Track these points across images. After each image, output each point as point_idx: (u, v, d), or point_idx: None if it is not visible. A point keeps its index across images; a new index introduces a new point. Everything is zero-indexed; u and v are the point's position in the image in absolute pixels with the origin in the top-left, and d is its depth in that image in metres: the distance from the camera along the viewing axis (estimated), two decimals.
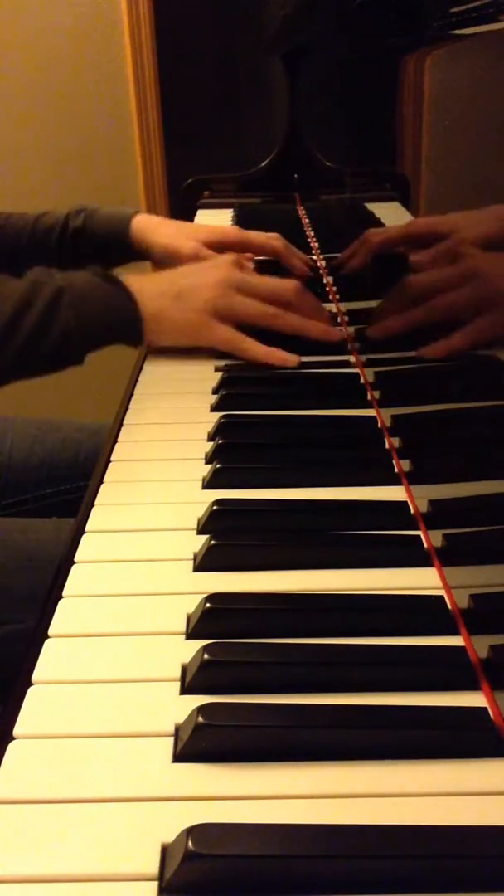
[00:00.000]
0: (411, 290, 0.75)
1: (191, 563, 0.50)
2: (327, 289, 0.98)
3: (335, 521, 0.54)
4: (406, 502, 0.56)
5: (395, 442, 0.63)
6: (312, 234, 1.27)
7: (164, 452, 0.64)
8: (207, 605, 0.44)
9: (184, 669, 0.41)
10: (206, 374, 0.78)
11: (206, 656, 0.40)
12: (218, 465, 0.59)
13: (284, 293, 0.81)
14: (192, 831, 0.32)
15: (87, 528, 0.54)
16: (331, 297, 0.96)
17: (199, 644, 0.42)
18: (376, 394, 0.71)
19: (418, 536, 0.52)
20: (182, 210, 1.56)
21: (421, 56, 0.79)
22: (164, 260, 1.01)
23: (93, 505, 0.57)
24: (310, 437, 0.65)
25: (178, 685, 0.41)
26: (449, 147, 0.73)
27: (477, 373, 0.68)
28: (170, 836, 0.33)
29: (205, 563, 0.49)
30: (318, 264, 1.09)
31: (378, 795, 0.35)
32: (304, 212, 1.44)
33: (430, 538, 0.51)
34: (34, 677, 0.41)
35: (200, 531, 0.53)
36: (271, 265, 1.03)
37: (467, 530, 0.50)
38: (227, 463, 0.59)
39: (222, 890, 0.31)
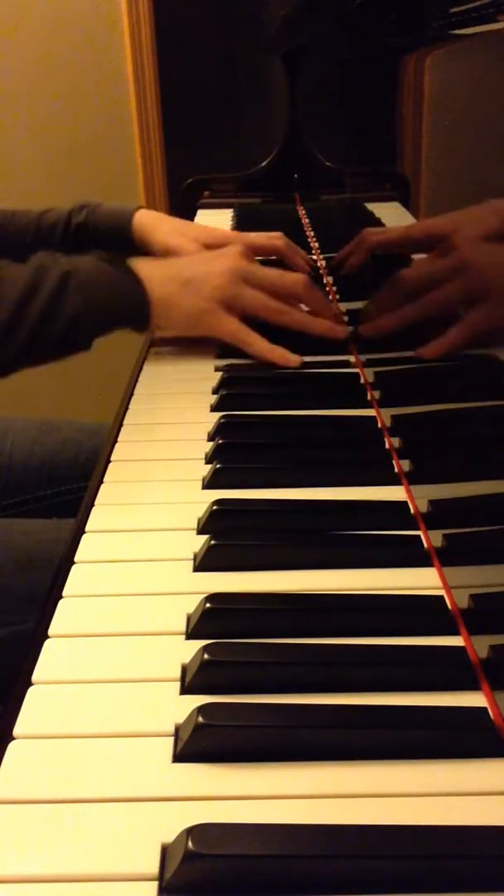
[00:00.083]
0: (403, 285, 0.75)
1: (191, 563, 0.50)
2: (327, 288, 0.98)
3: (335, 521, 0.54)
4: (406, 502, 0.56)
5: (395, 442, 0.63)
6: (312, 234, 1.27)
7: (164, 452, 0.64)
8: (207, 605, 0.44)
9: (184, 669, 0.41)
10: (206, 374, 0.78)
11: (206, 656, 0.40)
12: (218, 465, 0.59)
13: (293, 287, 0.80)
14: (192, 831, 0.32)
15: (87, 528, 0.54)
16: (331, 296, 0.96)
17: (199, 644, 0.42)
18: (376, 394, 0.71)
19: (418, 536, 0.52)
20: (182, 210, 1.56)
21: (421, 56, 0.79)
22: (164, 256, 1.01)
23: (93, 505, 0.57)
24: (310, 437, 0.65)
25: (178, 685, 0.41)
26: (449, 147, 0.73)
27: (477, 373, 0.68)
28: (170, 836, 0.33)
29: (205, 563, 0.49)
30: (319, 264, 1.09)
31: (378, 795, 0.35)
32: (304, 212, 1.44)
33: (430, 538, 0.51)
34: (34, 677, 0.41)
35: (200, 531, 0.53)
36: (273, 264, 1.03)
37: (467, 530, 0.50)
38: (227, 463, 0.59)
39: (222, 890, 0.31)
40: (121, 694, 0.40)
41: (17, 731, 0.38)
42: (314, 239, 1.24)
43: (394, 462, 0.60)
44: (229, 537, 0.51)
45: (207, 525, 0.53)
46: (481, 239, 0.68)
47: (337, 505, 0.55)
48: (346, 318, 0.88)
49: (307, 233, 1.28)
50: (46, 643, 0.44)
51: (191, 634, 0.44)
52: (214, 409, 0.71)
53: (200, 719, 0.36)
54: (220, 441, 0.62)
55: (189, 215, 1.50)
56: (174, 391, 0.76)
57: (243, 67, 2.03)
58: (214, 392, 0.74)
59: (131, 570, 0.50)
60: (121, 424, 0.69)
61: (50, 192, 2.01)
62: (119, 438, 0.67)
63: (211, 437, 0.66)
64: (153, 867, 0.32)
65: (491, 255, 0.66)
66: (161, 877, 0.31)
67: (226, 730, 0.37)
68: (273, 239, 1.01)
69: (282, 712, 0.38)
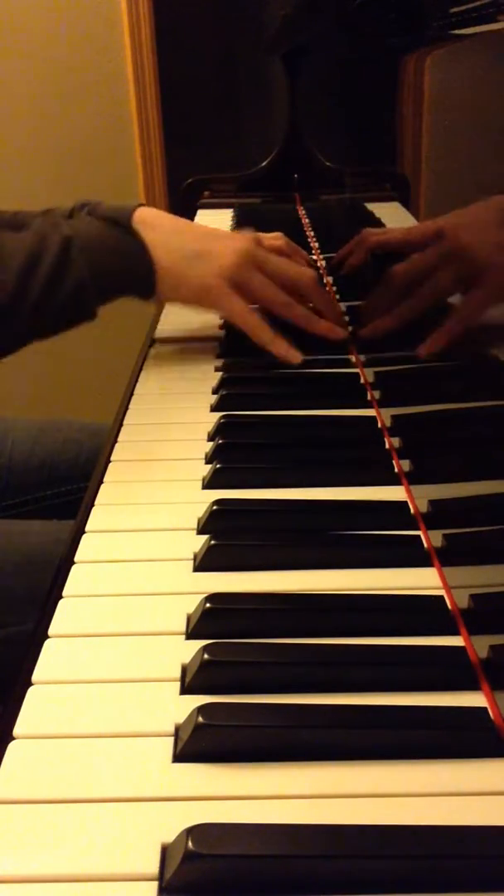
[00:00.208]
0: (396, 281, 0.75)
1: (191, 563, 0.50)
2: (327, 288, 0.98)
3: (335, 521, 0.54)
4: (406, 502, 0.56)
5: (395, 442, 0.63)
6: (312, 234, 1.27)
7: (164, 452, 0.64)
8: (207, 605, 0.44)
9: (184, 669, 0.41)
10: (206, 374, 0.78)
11: (206, 656, 0.40)
12: (218, 465, 0.59)
13: (303, 281, 0.80)
14: (192, 831, 0.32)
15: (87, 528, 0.54)
16: (331, 296, 0.96)
17: (199, 644, 0.42)
18: (376, 394, 0.71)
19: (418, 536, 0.52)
20: (182, 210, 1.56)
21: (421, 56, 0.79)
22: None
23: (93, 505, 0.57)
24: (310, 437, 0.65)
25: (178, 685, 0.41)
26: (449, 147, 0.73)
27: (477, 373, 0.68)
28: (170, 836, 0.33)
29: (205, 563, 0.49)
30: (319, 264, 1.09)
31: (378, 795, 0.35)
32: (304, 212, 1.44)
33: (430, 538, 0.51)
34: (34, 677, 0.41)
35: (200, 531, 0.53)
36: None
37: (467, 530, 0.50)
38: (227, 463, 0.59)
39: (222, 890, 0.31)
40: (121, 694, 0.40)
41: (17, 731, 0.38)
42: (314, 239, 1.24)
43: (394, 462, 0.60)
44: (229, 537, 0.51)
45: (207, 525, 0.53)
46: (475, 229, 0.67)
47: (337, 505, 0.56)
48: (346, 318, 0.88)
49: (307, 233, 1.28)
50: (46, 643, 0.44)
51: (191, 634, 0.44)
52: (214, 409, 0.71)
53: (200, 719, 0.36)
54: (220, 441, 0.62)
55: (189, 215, 1.50)
56: (174, 391, 0.76)
57: (243, 67, 2.03)
58: (214, 392, 0.74)
59: (131, 570, 0.50)
60: (121, 424, 0.69)
61: (50, 192, 2.01)
62: (119, 438, 0.67)
63: (211, 437, 0.66)
64: (153, 867, 0.32)
65: (478, 234, 0.66)
66: (161, 877, 0.31)
67: (226, 730, 0.37)
68: (273, 240, 1.01)
69: (282, 712, 0.38)
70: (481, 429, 0.61)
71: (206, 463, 0.62)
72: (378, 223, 1.01)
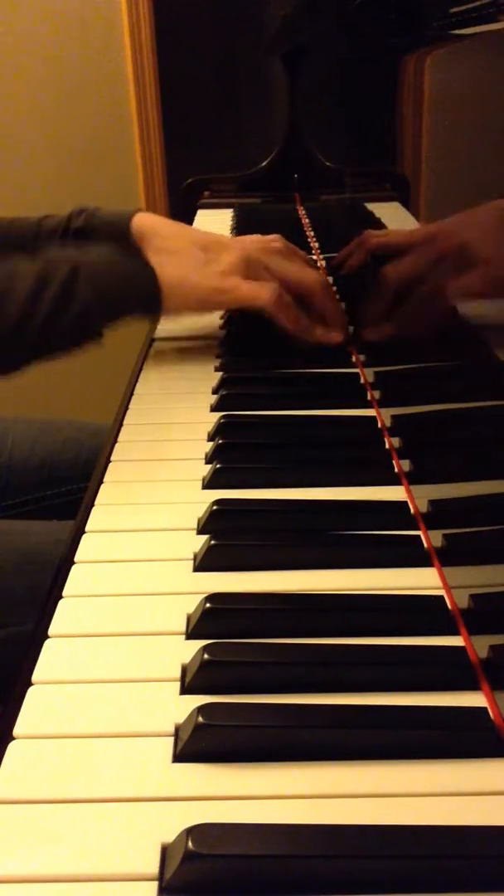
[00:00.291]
0: (390, 282, 0.75)
1: (191, 563, 0.50)
2: None
3: (335, 521, 0.54)
4: (406, 502, 0.56)
5: (395, 442, 0.63)
6: (312, 234, 1.27)
7: (164, 452, 0.64)
8: (207, 605, 0.44)
9: (184, 669, 0.41)
10: (206, 374, 0.78)
11: (206, 656, 0.40)
12: (218, 465, 0.59)
13: (311, 284, 0.80)
14: (192, 831, 0.32)
15: (87, 528, 0.54)
16: None
17: (199, 644, 0.42)
18: (376, 394, 0.71)
19: (418, 536, 0.52)
20: (182, 210, 1.56)
21: (421, 56, 0.79)
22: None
23: (93, 505, 0.57)
24: (310, 437, 0.65)
25: (178, 685, 0.41)
26: (449, 147, 0.73)
27: (477, 373, 0.68)
28: (170, 836, 0.33)
29: (205, 563, 0.49)
30: (319, 264, 1.09)
31: (378, 795, 0.35)
32: (304, 212, 1.44)
33: (430, 538, 0.51)
34: (34, 677, 0.41)
35: (200, 531, 0.53)
36: None
37: (467, 530, 0.50)
38: (227, 463, 0.59)
39: (222, 890, 0.31)
40: (121, 694, 0.40)
41: (17, 731, 0.38)
42: (314, 239, 1.24)
43: (394, 462, 0.60)
44: (229, 537, 0.51)
45: (207, 525, 0.53)
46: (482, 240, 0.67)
47: (337, 505, 0.56)
48: (346, 318, 0.88)
49: (307, 233, 1.28)
50: (46, 643, 0.44)
51: (191, 634, 0.44)
52: (214, 409, 0.71)
53: (200, 719, 0.36)
54: (220, 441, 0.62)
55: (189, 215, 1.50)
56: (174, 391, 0.76)
57: (243, 67, 2.03)
58: (214, 392, 0.74)
59: (131, 570, 0.50)
60: (121, 424, 0.69)
61: (50, 192, 2.01)
62: (119, 438, 0.67)
63: (211, 437, 0.66)
64: (153, 867, 0.32)
65: (476, 234, 0.65)
66: (161, 877, 0.31)
67: (226, 730, 0.37)
68: (271, 241, 1.01)
69: (282, 712, 0.38)
70: (481, 429, 0.61)
71: (206, 463, 0.62)
72: (378, 223, 1.01)
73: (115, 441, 0.66)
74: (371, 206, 1.05)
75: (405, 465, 0.59)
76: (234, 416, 0.68)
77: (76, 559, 0.51)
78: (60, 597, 0.47)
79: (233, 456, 0.61)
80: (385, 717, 0.38)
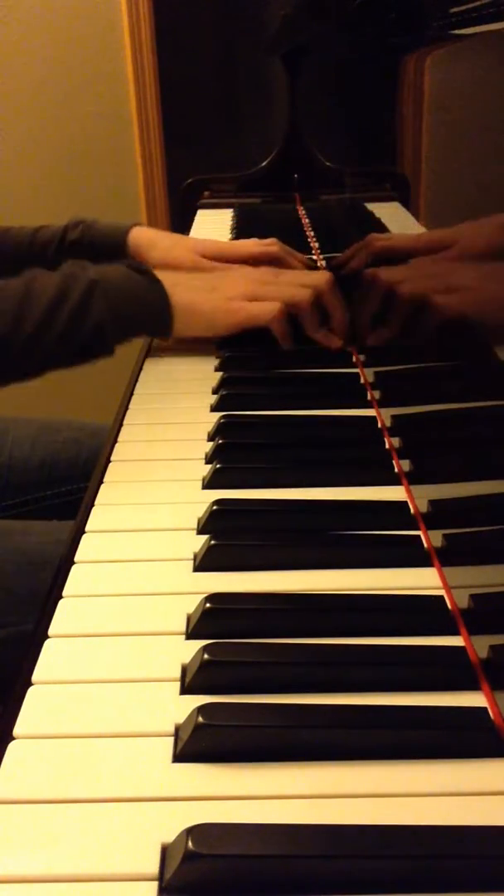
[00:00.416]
0: (383, 287, 0.75)
1: (191, 563, 0.50)
2: None
3: (335, 521, 0.54)
4: (406, 502, 0.56)
5: (395, 442, 0.63)
6: (312, 234, 1.27)
7: (164, 452, 0.64)
8: (207, 605, 0.44)
9: (184, 669, 0.41)
10: (206, 374, 0.78)
11: (206, 656, 0.40)
12: (218, 465, 0.59)
13: (317, 284, 0.82)
14: (192, 831, 0.32)
15: (87, 528, 0.54)
16: None
17: (199, 644, 0.42)
18: (376, 394, 0.71)
19: (418, 536, 0.52)
20: (182, 210, 1.56)
21: (421, 56, 0.79)
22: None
23: (93, 505, 0.57)
24: (310, 437, 0.65)
25: (178, 685, 0.41)
26: (449, 147, 0.73)
27: (477, 373, 0.68)
28: (170, 836, 0.33)
29: (205, 563, 0.49)
30: (319, 264, 1.09)
31: (378, 795, 0.35)
32: (304, 212, 1.44)
33: (430, 538, 0.51)
34: (34, 677, 0.41)
35: (200, 531, 0.53)
36: None
37: (467, 530, 0.50)
38: (227, 463, 0.59)
39: (222, 890, 0.31)
40: (121, 694, 0.40)
41: (17, 731, 0.38)
42: (314, 239, 1.24)
43: (394, 462, 0.60)
44: (229, 537, 0.51)
45: (207, 525, 0.53)
46: (486, 252, 0.67)
47: (337, 505, 0.56)
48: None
49: (307, 233, 1.28)
50: (46, 643, 0.44)
51: (191, 634, 0.44)
52: (214, 409, 0.71)
53: (200, 719, 0.36)
54: (220, 441, 0.62)
55: (189, 215, 1.50)
56: (174, 391, 0.76)
57: (243, 67, 2.03)
58: (214, 392, 0.74)
59: (131, 570, 0.50)
60: (121, 424, 0.69)
61: (50, 192, 2.01)
62: (119, 438, 0.67)
63: (211, 437, 0.66)
64: (153, 867, 0.32)
65: (471, 234, 0.66)
66: (161, 877, 0.31)
67: (226, 730, 0.37)
68: (268, 246, 1.01)
69: (282, 712, 0.38)
70: (481, 429, 0.61)
71: (206, 463, 0.62)
72: (378, 223, 1.01)
73: (115, 441, 0.66)
74: (371, 206, 1.05)
75: (405, 465, 0.59)
76: (234, 416, 0.68)
77: (76, 559, 0.51)
78: (60, 597, 0.47)
79: (233, 456, 0.61)
80: (385, 717, 0.38)
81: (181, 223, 1.49)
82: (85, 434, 1.07)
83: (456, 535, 0.50)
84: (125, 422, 0.70)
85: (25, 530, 0.86)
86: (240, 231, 1.31)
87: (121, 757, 0.37)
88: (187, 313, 0.79)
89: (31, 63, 1.97)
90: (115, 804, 0.34)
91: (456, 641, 0.43)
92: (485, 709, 0.39)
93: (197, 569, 0.49)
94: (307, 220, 1.37)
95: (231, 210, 1.49)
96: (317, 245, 1.20)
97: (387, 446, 0.63)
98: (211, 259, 1.00)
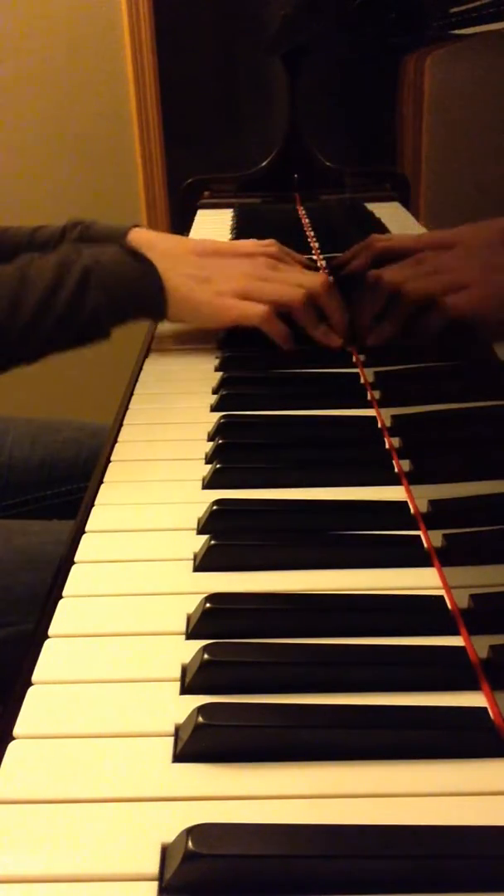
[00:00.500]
0: (387, 289, 0.75)
1: (191, 563, 0.50)
2: None
3: (335, 521, 0.54)
4: (406, 502, 0.56)
5: (395, 442, 0.63)
6: (312, 234, 1.27)
7: (164, 452, 0.64)
8: (207, 605, 0.44)
9: (184, 669, 0.41)
10: (206, 374, 0.78)
11: (206, 656, 0.40)
12: (218, 465, 0.59)
13: (312, 285, 0.82)
14: (192, 831, 0.32)
15: (87, 528, 0.54)
16: None
17: (199, 644, 0.42)
18: (376, 394, 0.71)
19: (418, 536, 0.52)
20: (182, 210, 1.56)
21: (421, 56, 0.79)
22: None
23: (93, 505, 0.57)
24: (310, 437, 0.65)
25: (178, 685, 0.41)
26: (449, 147, 0.73)
27: (477, 373, 0.68)
28: (170, 836, 0.33)
29: (205, 563, 0.49)
30: (319, 264, 1.09)
31: (378, 795, 0.35)
32: (304, 212, 1.44)
33: (430, 538, 0.51)
34: (34, 677, 0.41)
35: (200, 531, 0.53)
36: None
37: (467, 530, 0.50)
38: (227, 463, 0.59)
39: (222, 890, 0.31)
40: (121, 694, 0.40)
41: (17, 731, 0.38)
42: (314, 239, 1.24)
43: (394, 462, 0.60)
44: (229, 537, 0.51)
45: (207, 525, 0.53)
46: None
47: (337, 505, 0.56)
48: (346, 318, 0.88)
49: (307, 233, 1.28)
50: (46, 643, 0.44)
51: (191, 634, 0.44)
52: (214, 409, 0.71)
53: (200, 719, 0.36)
54: (220, 441, 0.62)
55: (189, 215, 1.50)
56: (174, 391, 0.76)
57: (243, 67, 2.03)
58: (214, 392, 0.74)
59: (131, 570, 0.50)
60: (121, 424, 0.69)
61: (50, 192, 2.01)
62: (119, 438, 0.67)
63: (211, 437, 0.66)
64: (153, 867, 0.32)
65: (471, 237, 0.66)
66: (161, 877, 0.31)
67: (226, 730, 0.37)
68: (266, 247, 1.01)
69: (282, 712, 0.38)
70: (481, 429, 0.61)
71: (206, 463, 0.62)
72: (378, 223, 1.01)
73: (115, 441, 0.66)
74: (371, 206, 1.05)
75: (405, 465, 0.59)
76: (234, 416, 0.68)
77: (76, 559, 0.51)
78: (60, 597, 0.47)
79: (233, 456, 0.61)
80: (385, 717, 0.38)
81: (181, 223, 1.49)
82: (85, 434, 1.07)
83: (456, 535, 0.50)
84: (125, 422, 0.70)
85: (25, 530, 0.86)
86: (240, 231, 1.31)
87: (121, 757, 0.37)
88: (179, 300, 0.80)
89: (31, 63, 1.97)
90: (115, 804, 0.34)
91: (456, 641, 0.43)
92: (485, 709, 0.39)
93: (197, 569, 0.49)
94: (307, 220, 1.37)
95: (231, 210, 1.49)
96: (317, 245, 1.20)
97: (387, 446, 0.63)
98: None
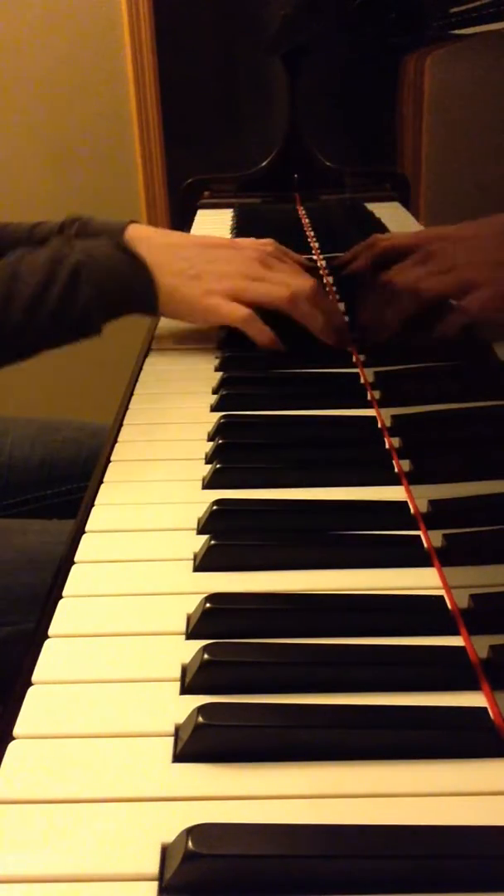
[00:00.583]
0: (391, 287, 0.75)
1: (191, 563, 0.50)
2: (327, 289, 0.98)
3: (335, 521, 0.54)
4: (406, 502, 0.56)
5: (395, 442, 0.63)
6: (312, 234, 1.27)
7: (164, 452, 0.64)
8: (207, 605, 0.44)
9: (184, 669, 0.41)
10: (206, 374, 0.78)
11: (206, 656, 0.40)
12: (218, 465, 0.59)
13: (300, 287, 0.81)
14: (192, 831, 0.32)
15: (87, 528, 0.54)
16: (330, 297, 0.96)
17: (199, 644, 0.42)
18: (376, 394, 0.71)
19: (418, 536, 0.52)
20: (182, 210, 1.56)
21: (421, 56, 0.79)
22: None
23: (93, 505, 0.57)
24: (310, 437, 0.65)
25: (178, 685, 0.41)
26: (449, 147, 0.73)
27: (477, 373, 0.68)
28: (170, 836, 0.33)
29: (205, 563, 0.49)
30: (319, 264, 1.09)
31: (378, 795, 0.35)
32: (304, 212, 1.44)
33: (430, 538, 0.51)
34: (34, 677, 0.41)
35: (200, 531, 0.53)
36: None
37: (467, 530, 0.50)
38: (227, 463, 0.59)
39: (222, 890, 0.31)
40: (121, 694, 0.40)
41: (17, 731, 0.38)
42: (314, 239, 1.24)
43: (394, 462, 0.60)
44: (229, 537, 0.51)
45: (207, 525, 0.53)
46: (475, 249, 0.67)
47: (337, 505, 0.55)
48: (346, 318, 0.88)
49: (307, 233, 1.28)
50: (46, 643, 0.44)
51: (191, 634, 0.44)
52: (214, 409, 0.71)
53: (200, 719, 0.36)
54: (220, 441, 0.62)
55: (189, 215, 1.50)
56: (174, 391, 0.76)
57: (243, 67, 2.03)
58: (214, 392, 0.74)
59: (131, 570, 0.50)
60: (121, 424, 0.69)
61: (50, 191, 2.01)
62: (119, 438, 0.67)
63: (211, 437, 0.66)
64: (153, 867, 0.32)
65: (478, 246, 0.66)
66: (161, 877, 0.31)
67: (226, 730, 0.37)
68: (263, 246, 1.02)
69: (282, 712, 0.38)
70: (481, 429, 0.61)
71: (206, 463, 0.62)
72: (378, 223, 1.01)
73: (115, 441, 0.66)
74: (371, 206, 1.05)
75: (405, 465, 0.59)
76: (234, 416, 0.68)
77: (76, 559, 0.51)
78: (60, 597, 0.47)
79: (233, 456, 0.61)
80: (385, 717, 0.38)
81: (181, 223, 1.49)
82: (85, 434, 1.07)
83: (456, 535, 0.50)
84: (125, 422, 0.70)
85: (25, 530, 0.86)
86: (240, 231, 1.31)
87: (121, 757, 0.37)
88: (169, 295, 0.80)
89: (31, 63, 1.97)
90: (115, 804, 0.34)
91: (456, 641, 0.43)
92: (485, 709, 0.39)
93: (197, 569, 0.49)
94: (307, 220, 1.37)
95: (231, 210, 1.48)
96: (317, 245, 1.20)
97: (387, 446, 0.63)
98: None
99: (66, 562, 0.50)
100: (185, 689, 0.40)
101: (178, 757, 0.36)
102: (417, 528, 0.53)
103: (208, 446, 0.64)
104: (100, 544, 0.52)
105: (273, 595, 0.47)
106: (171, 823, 0.33)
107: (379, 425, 0.66)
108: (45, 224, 1.07)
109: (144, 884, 0.31)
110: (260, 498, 0.56)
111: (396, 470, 0.59)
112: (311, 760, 0.36)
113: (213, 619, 0.44)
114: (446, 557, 0.49)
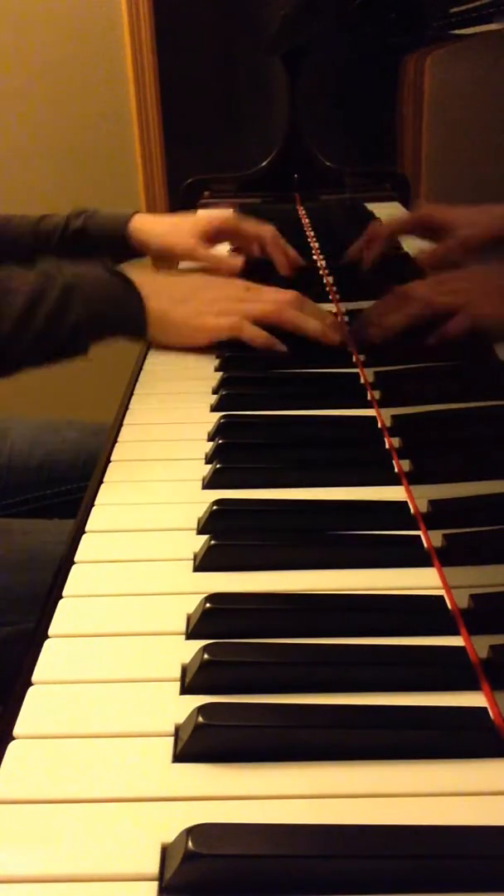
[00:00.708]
0: (407, 298, 0.76)
1: (191, 563, 0.50)
2: (327, 289, 0.98)
3: (335, 521, 0.54)
4: (406, 502, 0.56)
5: (395, 442, 0.63)
6: (312, 234, 1.27)
7: (164, 452, 0.64)
8: (207, 605, 0.44)
9: (184, 669, 0.41)
10: (206, 374, 0.78)
11: (206, 656, 0.40)
12: (218, 465, 0.59)
13: (286, 298, 0.82)
14: (192, 831, 0.32)
15: (87, 528, 0.54)
16: (331, 297, 0.96)
17: (199, 644, 0.42)
18: (376, 394, 0.71)
19: (418, 536, 0.52)
20: (182, 210, 1.55)
21: (421, 56, 0.79)
22: (160, 256, 1.04)
23: (93, 505, 0.57)
24: (310, 437, 0.65)
25: (178, 685, 0.41)
26: (449, 147, 0.73)
27: (477, 373, 0.68)
28: (170, 836, 0.33)
29: (205, 563, 0.49)
30: (319, 264, 1.09)
31: (378, 795, 0.35)
32: (304, 212, 1.44)
33: (430, 538, 0.51)
34: (34, 677, 0.41)
35: (200, 531, 0.53)
36: (261, 264, 1.03)
37: (467, 530, 0.50)
38: (227, 463, 0.59)
39: (222, 890, 0.31)
40: (121, 694, 0.40)
41: (17, 731, 0.38)
42: (314, 239, 1.24)
43: (394, 462, 0.60)
44: (229, 537, 0.51)
45: (207, 525, 0.53)
46: (483, 239, 0.67)
47: (337, 505, 0.55)
48: (346, 319, 0.88)
49: (307, 233, 1.28)
50: (46, 643, 0.44)
51: (191, 634, 0.44)
52: (214, 409, 0.71)
53: (200, 719, 0.36)
54: (220, 441, 0.62)
55: None
56: (174, 391, 0.76)
57: (243, 67, 2.03)
58: (214, 392, 0.74)
59: (131, 570, 0.50)
60: (121, 424, 0.69)
61: (50, 191, 2.01)
62: (119, 438, 0.67)
63: (211, 437, 0.66)
64: (153, 867, 0.32)
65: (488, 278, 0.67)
66: (161, 877, 0.31)
67: (226, 730, 0.37)
68: (261, 230, 1.02)
69: (282, 712, 0.38)
70: (481, 429, 0.61)
71: (206, 463, 0.62)
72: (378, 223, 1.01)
73: (115, 441, 0.66)
74: (371, 206, 1.05)
75: (405, 465, 0.59)
76: (234, 416, 0.68)
77: (76, 559, 0.51)
78: (60, 597, 0.47)
79: (233, 456, 0.61)
80: (385, 717, 0.38)
81: (177, 219, 1.49)
82: (85, 434, 1.07)
83: (456, 535, 0.50)
84: (125, 422, 0.70)
85: (25, 529, 0.86)
86: None
87: (121, 757, 0.37)
88: (159, 321, 0.81)
89: (32, 63, 1.97)
90: (115, 804, 0.34)
91: (456, 641, 0.43)
92: (485, 709, 0.39)
93: (197, 569, 0.49)
94: (307, 220, 1.37)
95: (231, 210, 1.48)
96: (317, 245, 1.20)
97: (387, 446, 0.63)
98: (212, 239, 1.03)
99: (66, 562, 0.50)
100: (185, 689, 0.40)
101: (178, 757, 0.36)
102: (417, 528, 0.53)
103: (208, 446, 0.64)
104: (100, 544, 0.52)
105: (273, 595, 0.47)
106: (171, 823, 0.33)
107: (379, 425, 0.66)
108: (51, 217, 1.07)
109: (144, 884, 0.31)
110: (260, 498, 0.56)
111: (396, 470, 0.59)
112: (311, 760, 0.36)
113: (213, 619, 0.44)
114: (446, 557, 0.49)
